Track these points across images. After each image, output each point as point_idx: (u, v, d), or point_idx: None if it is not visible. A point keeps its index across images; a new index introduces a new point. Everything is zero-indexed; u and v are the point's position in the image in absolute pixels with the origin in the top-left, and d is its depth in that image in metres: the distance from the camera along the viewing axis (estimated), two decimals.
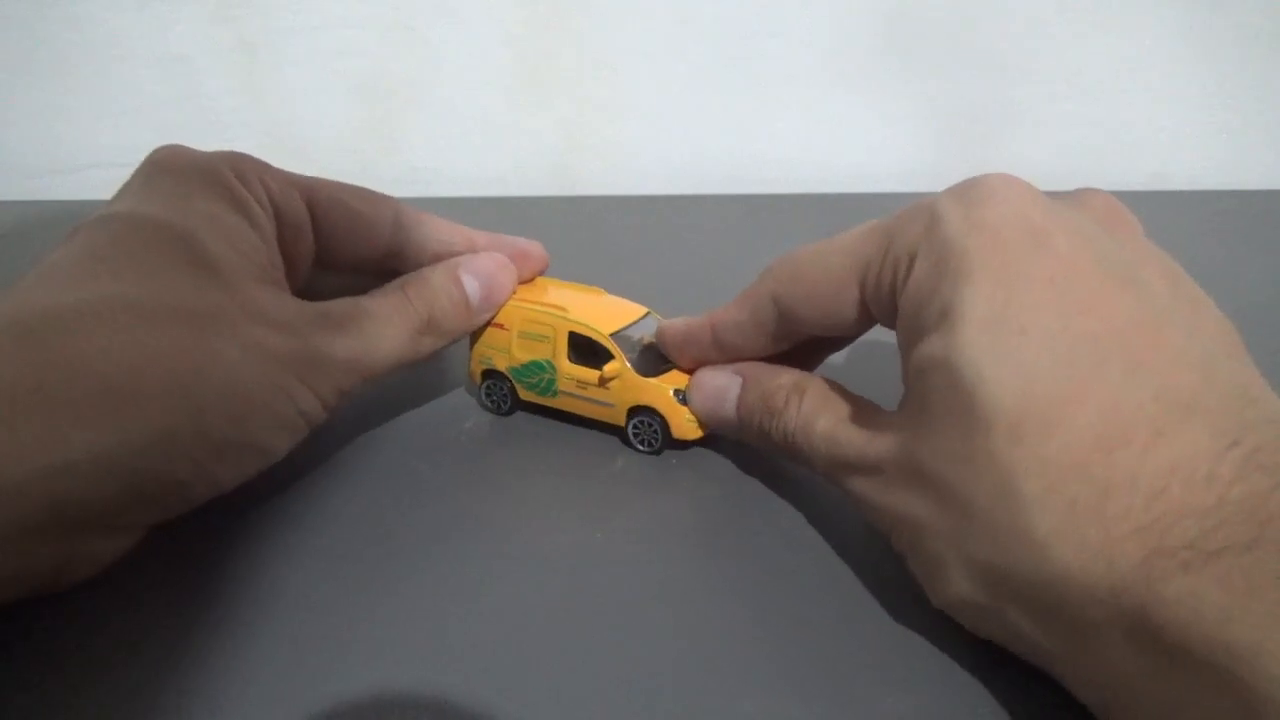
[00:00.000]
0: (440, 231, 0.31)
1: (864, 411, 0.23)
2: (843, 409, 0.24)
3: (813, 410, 0.24)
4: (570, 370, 0.29)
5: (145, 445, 0.20)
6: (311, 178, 0.29)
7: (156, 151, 0.26)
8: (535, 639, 0.21)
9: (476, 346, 0.31)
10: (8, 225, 0.50)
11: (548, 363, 0.29)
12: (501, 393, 0.31)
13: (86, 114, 0.56)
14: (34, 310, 0.20)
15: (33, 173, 0.58)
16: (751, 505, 0.26)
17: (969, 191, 0.21)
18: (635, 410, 0.28)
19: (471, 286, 0.29)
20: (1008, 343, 0.18)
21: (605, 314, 0.29)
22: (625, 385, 0.28)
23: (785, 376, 0.26)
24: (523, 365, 0.30)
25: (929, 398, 0.20)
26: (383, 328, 0.26)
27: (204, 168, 0.26)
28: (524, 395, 0.30)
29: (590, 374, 0.29)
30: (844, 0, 0.56)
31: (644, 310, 0.30)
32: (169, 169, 0.26)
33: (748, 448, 0.28)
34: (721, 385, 0.27)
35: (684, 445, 0.29)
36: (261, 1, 0.54)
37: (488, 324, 0.30)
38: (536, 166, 0.60)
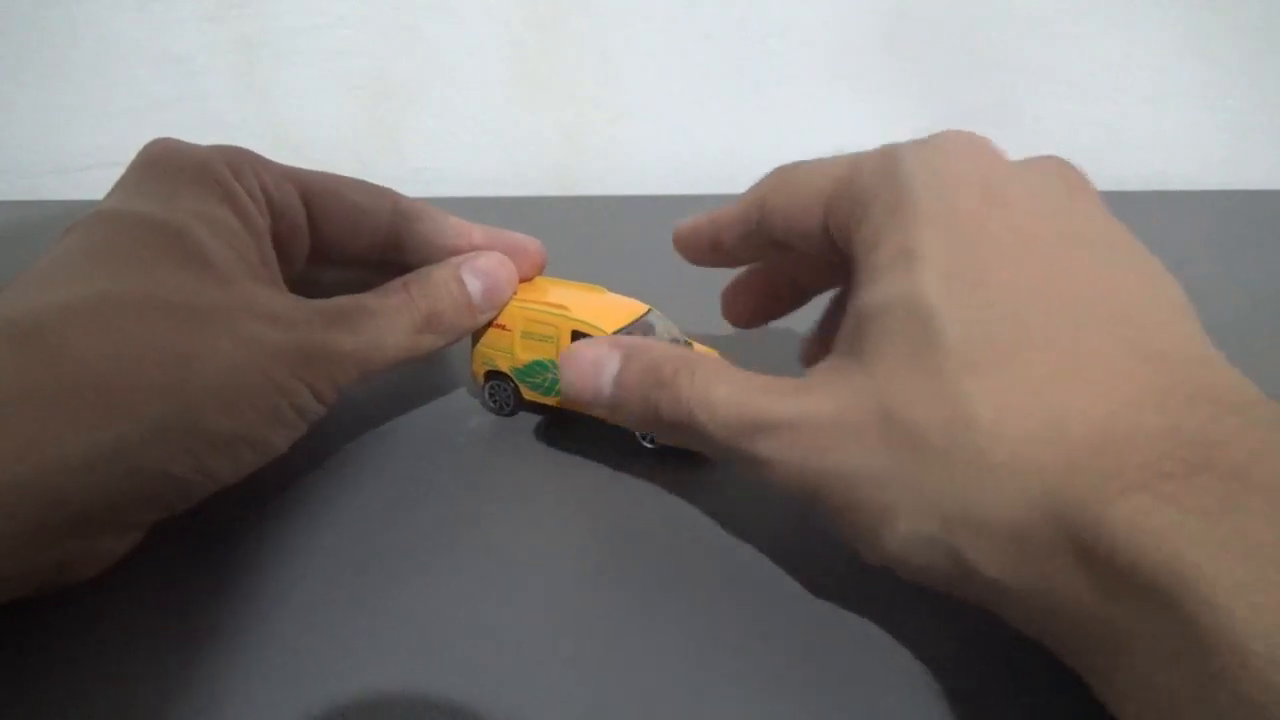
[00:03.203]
0: (438, 225, 0.30)
1: (764, 379, 0.22)
2: (741, 377, 0.22)
3: (709, 379, 0.22)
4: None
5: (140, 441, 0.20)
6: (308, 170, 0.29)
7: (150, 146, 0.26)
8: (537, 640, 0.21)
9: (478, 348, 0.31)
10: (8, 225, 0.50)
11: (551, 362, 0.29)
12: (505, 393, 0.31)
13: (86, 114, 0.56)
14: (26, 310, 0.20)
15: (33, 173, 0.58)
16: (755, 506, 0.26)
17: (931, 144, 0.22)
18: None
19: (473, 285, 0.29)
20: (964, 284, 0.19)
21: (607, 312, 0.29)
22: None
23: (671, 349, 0.24)
24: (526, 365, 0.30)
25: (884, 338, 0.20)
26: (384, 324, 0.26)
27: (197, 163, 0.25)
28: (528, 395, 0.30)
29: None
30: (843, 1, 0.56)
31: (646, 307, 0.30)
32: (162, 165, 0.25)
33: None
34: (598, 356, 0.25)
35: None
36: (261, 1, 0.54)
37: (489, 325, 0.30)
38: (536, 166, 0.60)
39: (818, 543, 0.25)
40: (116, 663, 0.21)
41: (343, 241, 0.29)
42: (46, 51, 0.55)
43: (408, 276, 0.28)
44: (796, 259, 0.28)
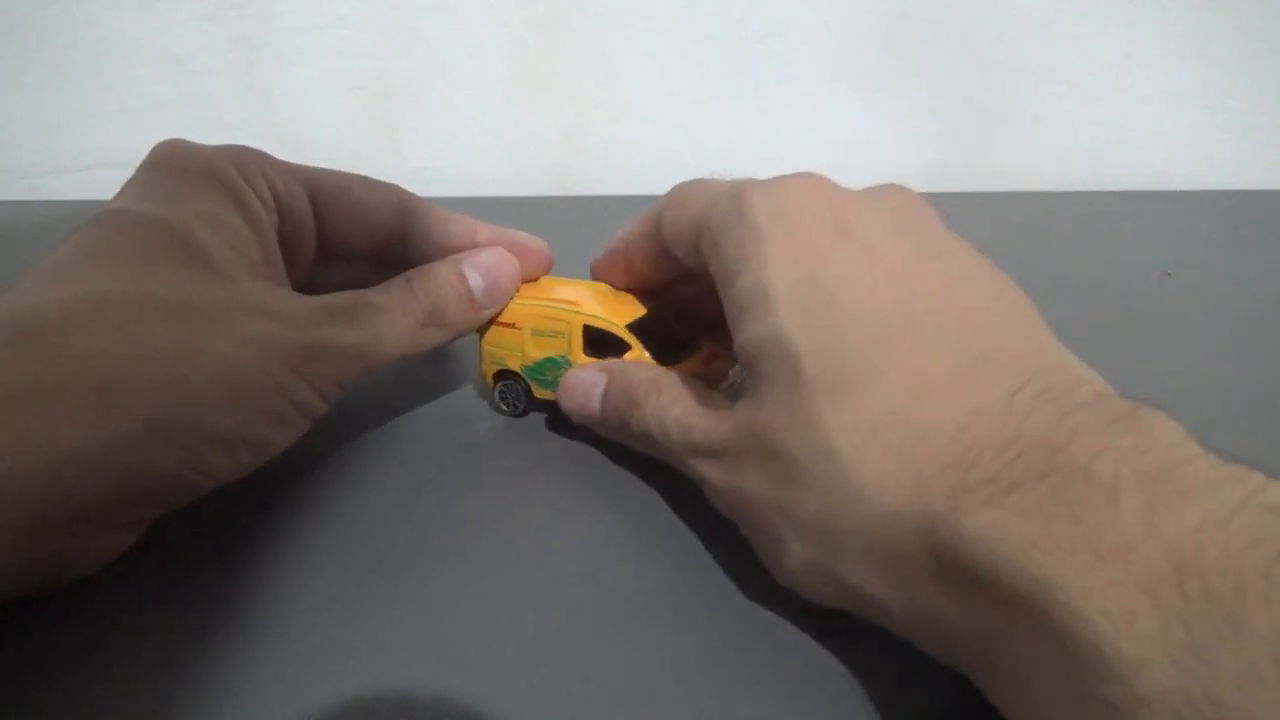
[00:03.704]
0: (444, 222, 0.31)
1: (711, 401, 0.24)
2: (692, 398, 0.24)
3: (668, 401, 0.25)
4: (587, 364, 0.29)
5: (139, 439, 0.20)
6: (314, 168, 0.29)
7: (158, 147, 0.26)
8: (544, 642, 0.21)
9: (486, 348, 0.30)
10: (8, 225, 0.50)
11: (563, 358, 0.29)
12: (516, 393, 0.31)
13: (86, 114, 0.56)
14: (28, 308, 0.21)
15: (33, 173, 0.58)
16: None
17: (777, 184, 0.23)
18: None
19: (475, 280, 0.29)
20: (815, 315, 0.20)
21: (617, 307, 0.29)
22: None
23: (645, 373, 0.26)
24: (537, 363, 0.29)
25: (756, 375, 0.21)
26: (385, 319, 0.26)
27: (204, 164, 0.26)
28: (539, 394, 0.30)
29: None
30: (843, 2, 0.56)
31: (651, 306, 0.30)
32: (168, 166, 0.26)
33: None
34: (589, 381, 0.27)
35: None
36: (261, 1, 0.54)
37: (494, 321, 0.30)
38: (536, 166, 0.60)
39: None
40: (116, 663, 0.21)
41: (349, 239, 0.29)
42: (46, 51, 0.55)
43: (410, 272, 0.28)
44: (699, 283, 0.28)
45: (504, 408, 0.31)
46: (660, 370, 0.27)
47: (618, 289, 0.31)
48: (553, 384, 0.29)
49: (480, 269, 0.29)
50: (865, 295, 0.20)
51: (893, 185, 0.24)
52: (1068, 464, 0.16)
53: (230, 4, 0.54)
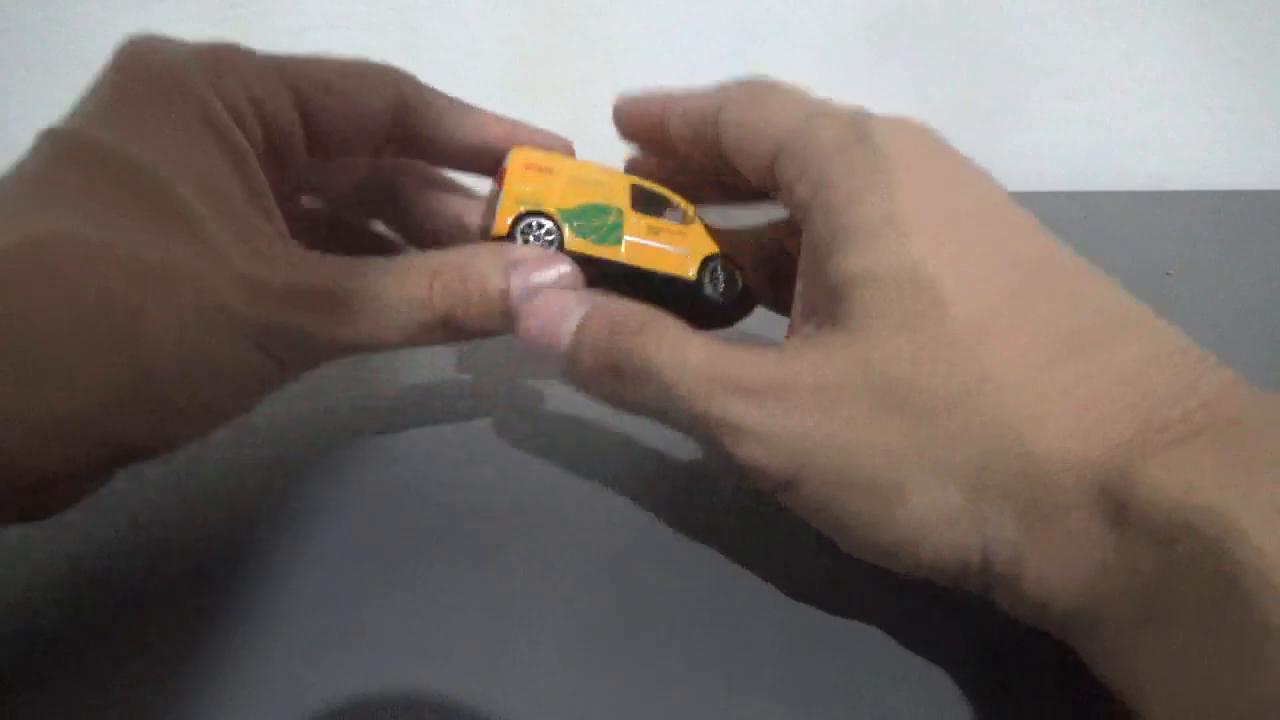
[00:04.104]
0: (449, 114, 0.26)
1: (745, 345, 0.21)
2: (715, 340, 0.21)
3: (680, 337, 0.21)
4: (639, 217, 0.25)
5: (95, 411, 0.19)
6: (299, 58, 0.25)
7: (124, 50, 0.23)
8: (539, 640, 0.21)
9: (510, 189, 0.25)
10: None
11: (615, 208, 0.25)
12: (542, 232, 0.24)
13: None
14: None
15: None
16: (753, 503, 0.26)
17: (896, 120, 0.22)
18: (709, 259, 0.26)
19: (518, 288, 0.23)
20: (958, 251, 0.19)
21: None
22: (702, 232, 0.26)
23: (640, 307, 0.22)
24: (579, 208, 0.25)
25: (876, 307, 0.19)
26: (383, 314, 0.22)
27: (176, 82, 0.22)
28: (571, 244, 0.24)
29: (664, 223, 0.26)
30: (844, 1, 0.56)
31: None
32: (134, 83, 0.22)
33: None
34: (566, 303, 0.22)
35: (742, 309, 0.27)
36: (261, 1, 0.54)
37: (521, 165, 0.25)
38: None
39: (821, 543, 0.25)
40: (115, 663, 0.21)
41: (341, 138, 0.25)
42: (47, 52, 0.55)
43: (440, 260, 0.23)
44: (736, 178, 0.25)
45: (528, 240, 0.24)
46: (657, 309, 0.22)
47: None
48: (596, 231, 0.25)
49: (530, 278, 0.23)
50: (1002, 241, 0.19)
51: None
52: (1253, 420, 0.16)
53: (230, 4, 0.54)
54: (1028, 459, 0.17)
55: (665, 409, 0.21)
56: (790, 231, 0.28)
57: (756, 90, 0.24)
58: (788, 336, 0.23)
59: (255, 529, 0.25)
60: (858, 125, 0.21)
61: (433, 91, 0.26)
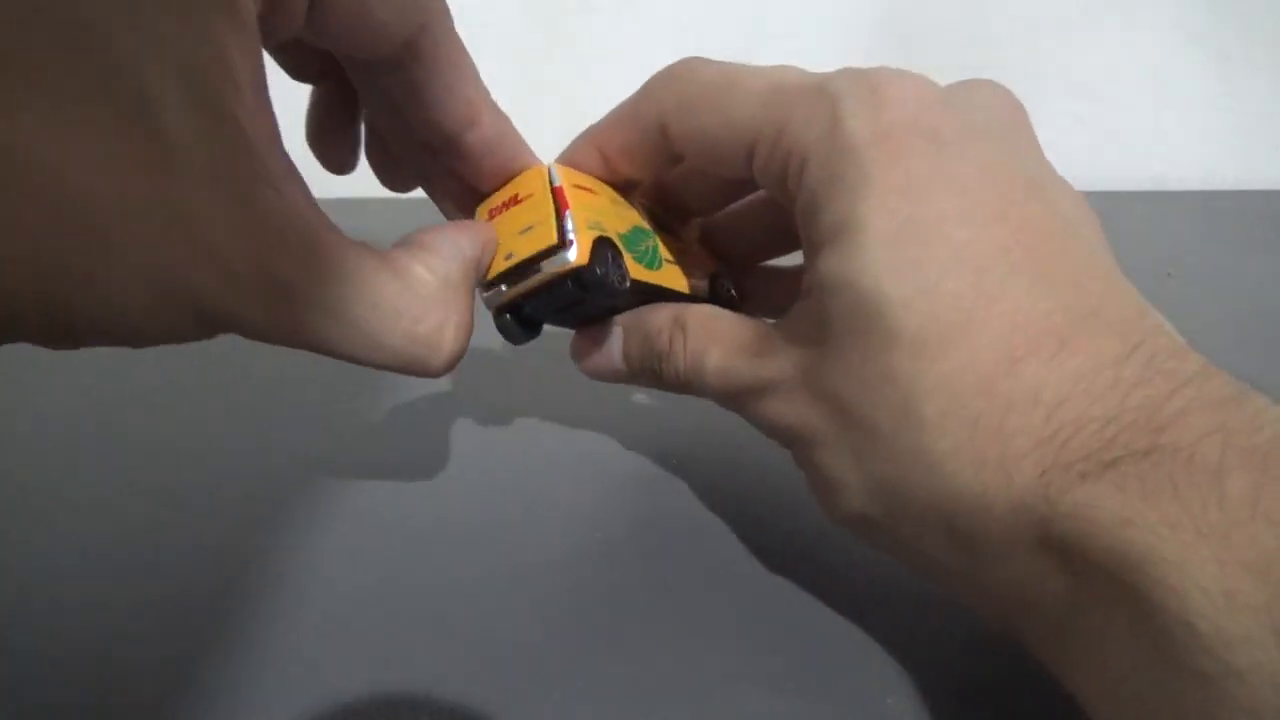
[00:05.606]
0: (451, 90, 0.22)
1: (752, 334, 0.22)
2: (729, 337, 0.22)
3: (700, 345, 0.22)
4: (660, 237, 0.25)
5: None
6: None
7: None
8: (536, 639, 0.21)
9: (577, 212, 0.21)
10: None
11: (648, 230, 0.24)
12: (620, 266, 0.22)
13: None
14: None
15: None
16: (753, 504, 0.26)
17: (872, 92, 0.19)
18: (715, 276, 0.26)
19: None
20: (910, 259, 0.18)
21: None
22: (702, 252, 0.27)
23: (663, 314, 0.23)
24: (630, 232, 0.23)
25: (830, 316, 0.19)
26: (378, 321, 0.17)
27: None
28: (635, 273, 0.22)
29: (674, 241, 0.25)
30: (845, 2, 0.56)
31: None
32: None
33: (750, 447, 0.28)
34: (604, 337, 0.25)
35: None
36: None
37: (570, 185, 0.22)
38: None
39: (821, 542, 0.25)
40: (115, 662, 0.21)
41: (345, 38, 0.20)
42: None
43: (458, 274, 0.20)
44: (688, 174, 0.25)
45: (615, 282, 0.22)
46: (676, 307, 0.23)
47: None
48: (644, 258, 0.23)
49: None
50: (966, 236, 0.18)
51: (988, 83, 0.22)
52: (1172, 443, 0.15)
53: None
54: (946, 494, 0.17)
55: (707, 398, 0.23)
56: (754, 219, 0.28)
57: (688, 89, 0.22)
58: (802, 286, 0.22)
59: (255, 529, 0.25)
60: (827, 116, 0.20)
61: (453, 49, 0.22)
